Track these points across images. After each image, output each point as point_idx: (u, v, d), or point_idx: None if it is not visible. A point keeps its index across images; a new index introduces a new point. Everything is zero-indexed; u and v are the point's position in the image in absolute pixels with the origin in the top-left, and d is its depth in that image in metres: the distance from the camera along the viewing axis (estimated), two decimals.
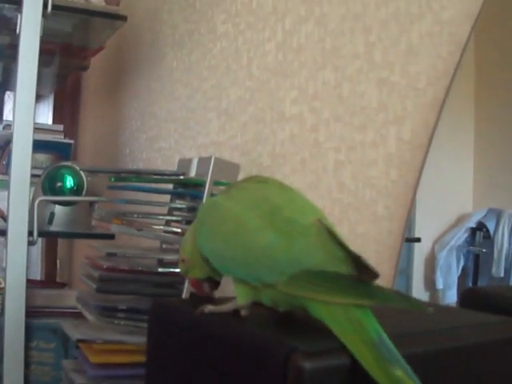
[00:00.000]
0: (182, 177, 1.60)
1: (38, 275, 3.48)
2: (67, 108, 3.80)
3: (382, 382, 0.54)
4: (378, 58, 1.29)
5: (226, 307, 0.71)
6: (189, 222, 1.54)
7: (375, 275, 0.61)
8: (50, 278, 3.57)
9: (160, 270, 1.50)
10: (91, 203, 2.20)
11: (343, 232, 1.29)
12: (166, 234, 1.55)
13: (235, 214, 0.69)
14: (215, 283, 0.80)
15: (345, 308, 0.59)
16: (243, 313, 0.70)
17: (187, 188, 1.58)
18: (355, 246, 1.28)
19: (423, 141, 1.16)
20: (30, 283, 1.82)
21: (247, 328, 0.64)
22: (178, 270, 1.48)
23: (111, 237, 2.11)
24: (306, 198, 0.73)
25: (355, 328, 0.57)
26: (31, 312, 1.84)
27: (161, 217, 1.58)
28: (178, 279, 1.47)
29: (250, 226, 0.67)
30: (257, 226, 0.66)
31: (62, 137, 2.95)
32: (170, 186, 1.63)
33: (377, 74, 1.30)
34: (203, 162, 1.55)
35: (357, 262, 0.62)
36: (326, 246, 0.63)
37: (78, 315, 1.78)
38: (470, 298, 1.01)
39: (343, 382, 0.56)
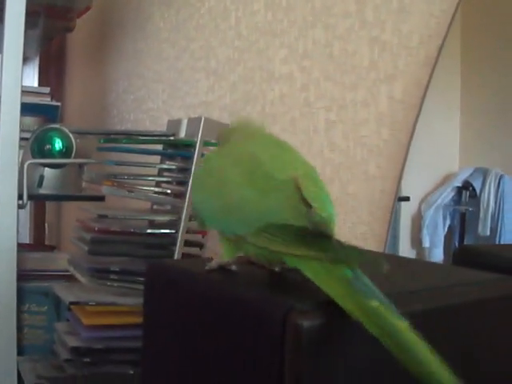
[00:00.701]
0: (171, 137, 1.59)
1: (26, 239, 3.48)
2: (53, 70, 3.77)
3: (356, 314, 0.54)
4: (370, 16, 1.28)
5: (214, 263, 0.72)
6: (179, 183, 1.54)
7: (328, 233, 0.60)
8: (38, 242, 3.57)
9: (151, 231, 1.49)
10: (80, 165, 2.19)
11: (334, 191, 1.30)
12: (157, 195, 1.54)
13: (220, 169, 0.71)
14: None
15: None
16: (233, 268, 0.71)
17: (177, 149, 1.57)
18: (347, 206, 1.29)
19: (415, 100, 1.16)
20: (20, 247, 1.81)
21: (243, 288, 0.64)
22: (169, 231, 1.49)
23: (101, 199, 2.10)
24: (296, 155, 0.73)
25: (328, 270, 0.57)
26: (22, 275, 1.83)
27: (151, 178, 1.58)
28: (170, 240, 1.47)
29: (230, 180, 0.68)
30: (236, 181, 0.67)
31: (49, 99, 2.93)
32: (160, 147, 1.62)
33: (368, 32, 1.29)
34: (193, 122, 1.54)
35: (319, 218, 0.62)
36: (295, 203, 0.63)
37: (69, 278, 1.79)
38: (463, 255, 1.02)
39: (343, 338, 0.56)
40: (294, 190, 0.64)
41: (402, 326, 0.52)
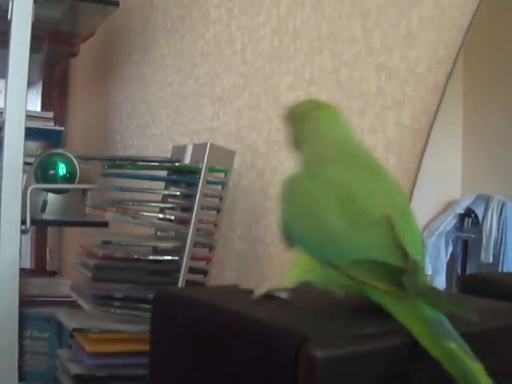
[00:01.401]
0: (177, 163, 1.58)
1: (27, 264, 3.46)
2: (56, 95, 3.77)
3: (435, 353, 0.56)
4: (377, 42, 1.28)
5: (263, 288, 0.73)
6: (183, 209, 1.53)
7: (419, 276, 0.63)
8: (39, 267, 3.56)
9: (155, 257, 1.48)
10: (84, 191, 2.18)
11: None
12: (161, 222, 1.54)
13: (311, 192, 0.72)
14: None
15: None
16: (283, 296, 0.73)
17: (182, 175, 1.57)
18: None
19: (424, 126, 1.15)
20: (21, 272, 1.80)
21: (256, 315, 0.63)
22: (173, 258, 1.48)
23: (105, 225, 2.09)
24: (390, 183, 0.75)
25: (412, 309, 0.60)
26: (24, 301, 1.82)
27: (155, 204, 1.57)
28: (174, 267, 1.46)
29: (323, 206, 0.69)
30: (329, 209, 0.68)
31: (52, 124, 2.93)
32: (164, 173, 1.61)
33: (375, 59, 1.28)
34: (198, 148, 1.54)
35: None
36: (388, 241, 0.64)
37: (71, 304, 1.77)
38: (471, 284, 1.01)
39: (356, 370, 0.55)
40: (387, 228, 0.65)
41: (477, 368, 0.55)
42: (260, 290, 0.72)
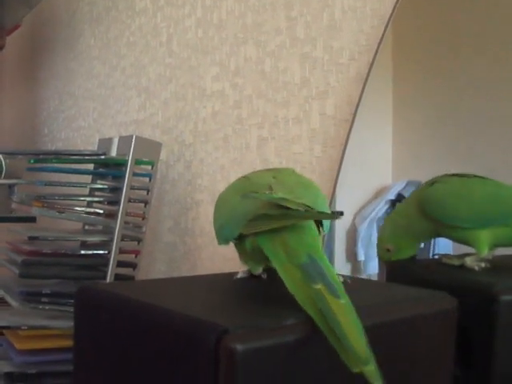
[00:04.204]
0: (103, 156, 1.57)
1: None
2: None
3: (301, 299, 0.57)
4: (301, 33, 1.29)
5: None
6: (111, 203, 1.52)
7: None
8: None
9: (83, 252, 1.47)
10: (10, 186, 2.15)
11: None
12: (88, 216, 1.52)
13: (225, 197, 0.78)
14: None
15: (282, 236, 0.64)
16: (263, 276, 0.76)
17: (108, 168, 1.55)
18: None
19: (347, 115, 1.16)
20: None
21: (176, 310, 0.63)
22: (101, 252, 1.47)
23: (32, 220, 2.07)
24: (294, 176, 0.78)
25: (288, 256, 0.62)
26: None
27: (82, 198, 1.55)
28: (102, 261, 1.45)
29: (229, 200, 0.75)
30: (232, 198, 0.74)
31: None
32: (91, 167, 1.60)
33: (299, 49, 1.29)
34: (124, 140, 1.52)
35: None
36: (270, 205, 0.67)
37: None
38: (396, 271, 1.02)
39: (277, 361, 0.55)
40: (267, 190, 0.70)
41: (339, 305, 0.55)
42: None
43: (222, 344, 0.54)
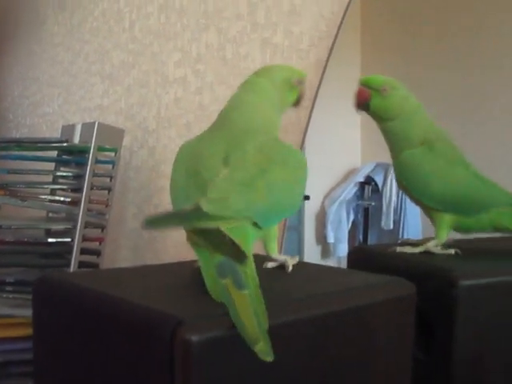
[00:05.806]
0: (65, 143, 1.56)
1: None
2: None
3: (215, 295, 0.59)
4: (261, 18, 1.28)
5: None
6: (74, 190, 1.51)
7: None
8: None
9: (46, 240, 1.46)
10: None
11: None
12: (51, 203, 1.51)
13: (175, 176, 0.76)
14: None
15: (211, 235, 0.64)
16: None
17: (71, 155, 1.54)
18: None
19: (307, 101, 1.16)
20: None
21: (134, 301, 0.63)
22: (65, 240, 1.46)
23: None
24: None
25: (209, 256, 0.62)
26: None
27: (46, 186, 1.54)
28: (66, 249, 1.44)
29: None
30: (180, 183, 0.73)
31: None
32: (55, 154, 1.59)
33: (260, 34, 1.29)
34: (87, 127, 1.52)
35: None
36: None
37: None
38: (357, 256, 1.03)
39: (232, 351, 0.56)
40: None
41: (241, 296, 0.57)
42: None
43: (178, 335, 0.54)
